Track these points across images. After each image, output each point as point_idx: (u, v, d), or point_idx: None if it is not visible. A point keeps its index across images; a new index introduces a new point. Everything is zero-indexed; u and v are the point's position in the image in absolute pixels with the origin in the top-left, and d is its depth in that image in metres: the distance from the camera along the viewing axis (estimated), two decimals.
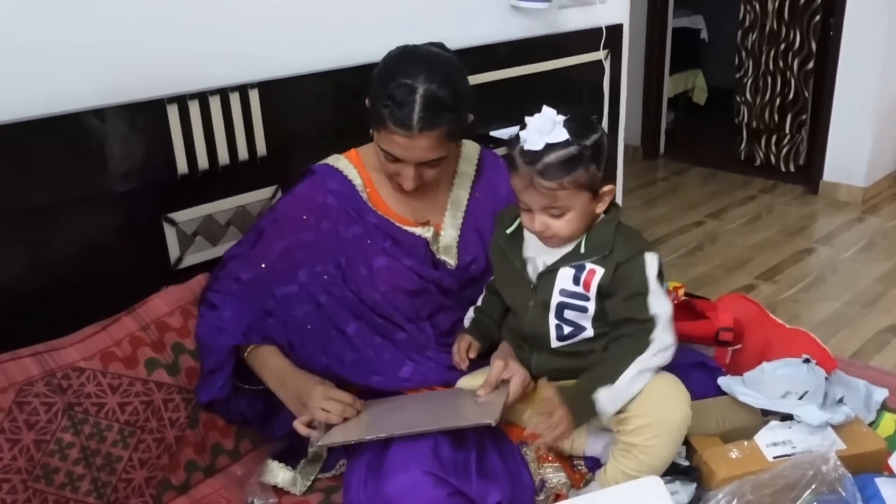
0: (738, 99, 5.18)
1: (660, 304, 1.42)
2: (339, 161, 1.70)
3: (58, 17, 1.56)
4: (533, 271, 1.51)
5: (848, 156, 4.58)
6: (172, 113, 1.70)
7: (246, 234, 1.73)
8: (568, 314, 1.48)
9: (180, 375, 1.56)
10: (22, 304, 1.54)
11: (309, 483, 1.55)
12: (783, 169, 5.04)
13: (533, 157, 1.36)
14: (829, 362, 1.72)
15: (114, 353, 1.50)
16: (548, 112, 1.38)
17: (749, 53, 5.03)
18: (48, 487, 1.37)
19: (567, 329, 1.49)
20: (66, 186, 1.59)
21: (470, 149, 1.77)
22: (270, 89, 1.85)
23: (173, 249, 1.77)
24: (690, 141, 5.74)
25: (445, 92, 1.50)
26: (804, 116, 4.89)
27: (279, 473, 1.53)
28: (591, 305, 1.46)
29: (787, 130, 4.96)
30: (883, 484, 1.35)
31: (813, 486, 1.32)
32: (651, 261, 1.43)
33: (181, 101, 1.71)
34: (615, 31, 2.67)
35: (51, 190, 1.56)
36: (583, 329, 1.49)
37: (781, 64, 4.89)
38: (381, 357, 1.65)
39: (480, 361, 1.61)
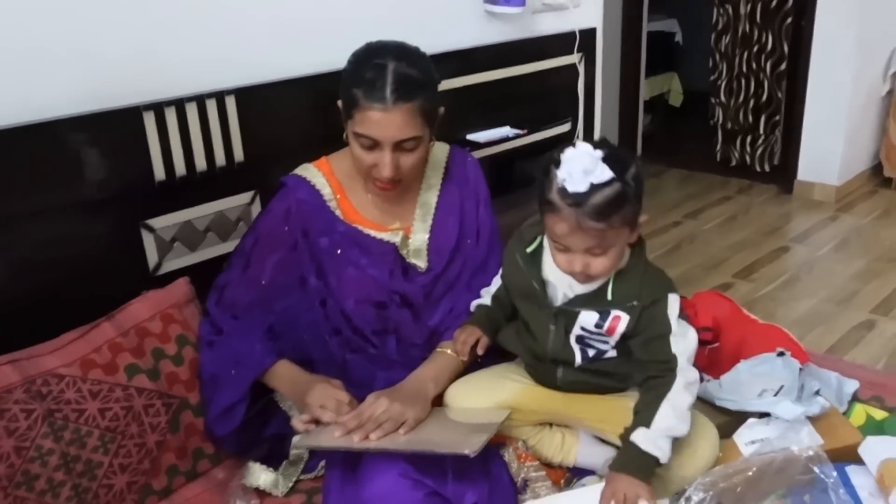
0: (713, 101, 5.25)
1: (681, 343, 1.42)
2: (308, 171, 1.72)
3: (34, 24, 1.57)
4: (553, 295, 1.50)
5: (821, 155, 4.65)
6: (149, 120, 1.71)
7: (231, 260, 1.73)
8: (590, 342, 1.49)
9: (161, 380, 1.56)
10: (0, 311, 1.54)
11: (291, 485, 1.55)
12: (758, 169, 5.11)
13: (578, 198, 1.30)
14: (801, 356, 1.75)
15: (93, 360, 1.50)
16: (585, 148, 1.30)
17: (723, 56, 5.10)
18: (29, 494, 1.37)
19: (591, 353, 1.50)
20: (43, 194, 1.59)
21: (438, 150, 1.79)
22: (247, 96, 1.86)
23: (152, 256, 1.77)
24: (667, 143, 5.80)
25: (415, 70, 1.53)
26: (778, 117, 4.96)
27: (261, 475, 1.54)
28: (613, 342, 1.48)
29: (762, 131, 5.03)
30: (853, 472, 1.38)
31: (787, 472, 1.35)
32: (674, 302, 1.44)
33: (157, 108, 1.72)
34: (589, 35, 2.70)
35: (28, 197, 1.57)
36: (607, 351, 1.50)
37: (755, 66, 4.96)
38: (355, 371, 1.67)
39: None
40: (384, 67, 1.51)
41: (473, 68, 2.36)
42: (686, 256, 4.02)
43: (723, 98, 5.17)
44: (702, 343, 1.80)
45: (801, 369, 1.62)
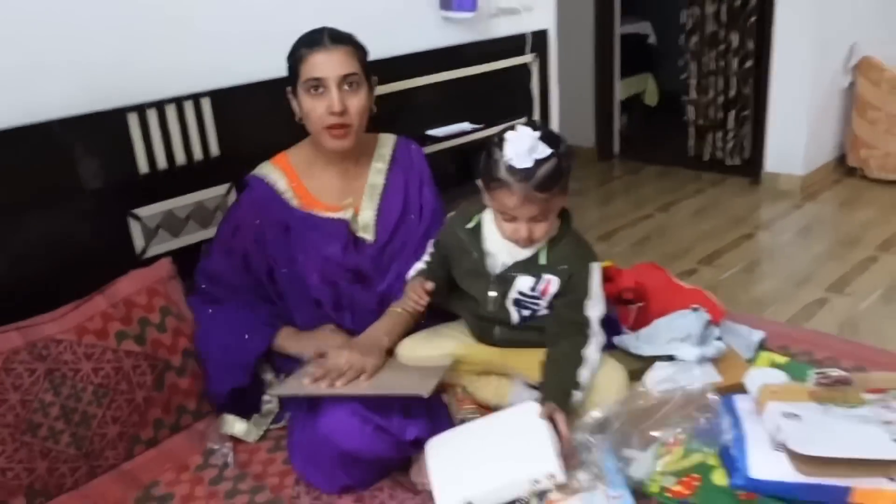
0: (684, 99, 5.47)
1: (596, 309, 1.68)
2: (264, 168, 1.96)
3: (32, 39, 1.80)
4: (492, 266, 1.71)
5: (786, 147, 4.87)
6: (133, 120, 1.94)
7: (212, 248, 1.97)
8: (525, 304, 1.72)
9: (146, 345, 1.78)
10: (6, 288, 1.78)
11: (261, 433, 1.78)
12: (729, 163, 5.31)
13: (526, 174, 1.51)
14: (717, 313, 1.96)
15: (87, 327, 1.72)
16: (525, 130, 1.52)
17: (693, 56, 5.31)
18: (34, 439, 1.59)
19: (526, 313, 1.73)
20: (42, 187, 1.82)
21: (386, 140, 2.03)
22: (221, 98, 2.09)
23: (138, 241, 2.00)
24: (644, 141, 6.02)
25: (345, 34, 1.84)
26: (746, 112, 5.16)
27: (235, 424, 1.76)
28: (546, 303, 1.70)
29: (731, 126, 5.23)
30: (739, 399, 1.59)
31: (688, 405, 1.57)
32: (595, 271, 1.69)
33: (140, 109, 1.95)
34: (541, 36, 2.92)
35: (29, 190, 1.80)
36: (540, 311, 1.72)
37: (723, 64, 5.16)
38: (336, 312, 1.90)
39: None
40: (320, 30, 1.82)
41: (432, 69, 2.59)
42: (654, 246, 4.22)
43: (694, 96, 5.38)
44: (625, 302, 2.04)
45: (708, 321, 1.83)
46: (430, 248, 1.84)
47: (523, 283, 1.68)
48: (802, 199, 4.77)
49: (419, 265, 1.82)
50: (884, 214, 4.41)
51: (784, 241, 4.23)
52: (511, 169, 1.52)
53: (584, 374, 1.62)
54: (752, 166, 5.10)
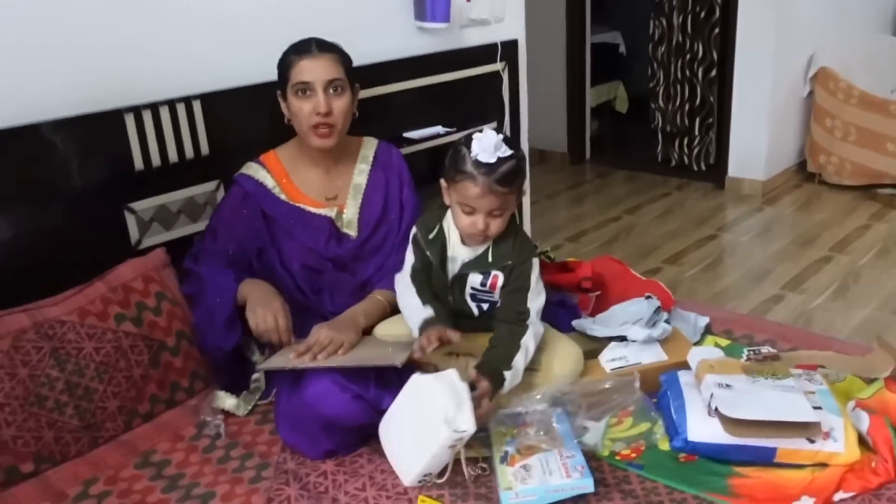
0: (652, 106, 5.67)
1: (536, 300, 1.84)
2: (251, 168, 2.11)
3: (34, 43, 1.96)
4: (452, 269, 1.87)
5: (748, 153, 5.08)
6: (129, 120, 2.10)
7: (204, 235, 2.12)
8: (481, 298, 1.89)
9: (143, 327, 1.94)
10: (13, 275, 1.92)
11: (250, 408, 1.94)
12: (696, 168, 5.50)
13: (489, 168, 1.69)
14: (668, 301, 2.15)
15: (88, 310, 1.88)
16: (491, 132, 1.71)
17: (660, 64, 5.51)
18: (41, 411, 1.74)
19: (484, 306, 1.91)
20: (44, 182, 1.97)
21: (369, 143, 2.20)
22: (211, 100, 2.25)
23: (133, 233, 2.15)
24: (614, 146, 6.22)
25: (331, 43, 2.00)
26: (711, 119, 5.35)
27: (226, 400, 1.92)
28: (497, 295, 1.87)
29: (697, 133, 5.43)
30: (682, 374, 1.78)
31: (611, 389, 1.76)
32: (535, 265, 1.86)
33: (136, 110, 2.11)
34: (511, 45, 3.11)
35: (33, 185, 1.95)
36: (496, 303, 1.89)
37: (688, 73, 5.36)
38: (302, 325, 2.02)
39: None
40: (308, 40, 1.99)
41: (407, 75, 2.76)
42: (622, 246, 4.40)
43: (661, 103, 5.58)
44: (583, 290, 2.22)
45: (658, 307, 2.02)
46: (409, 258, 1.94)
47: (475, 279, 1.87)
48: (763, 202, 4.98)
49: (408, 267, 1.93)
50: (838, 217, 4.63)
51: (744, 242, 4.43)
52: (477, 163, 1.70)
53: (518, 359, 1.77)
54: (716, 171, 5.31)
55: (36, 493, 1.67)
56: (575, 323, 2.04)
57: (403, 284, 1.92)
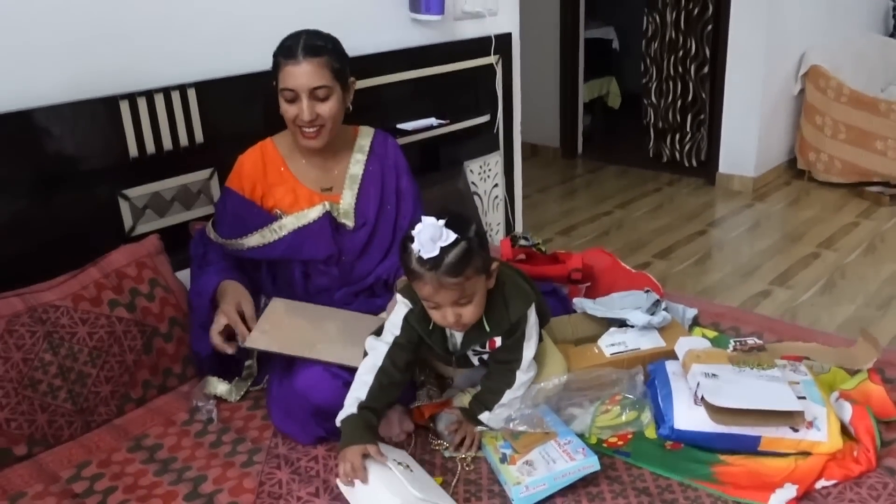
0: (644, 102, 5.70)
1: (530, 349, 1.77)
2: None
3: (33, 32, 1.97)
4: (452, 345, 1.76)
5: (738, 150, 5.13)
6: (125, 108, 2.11)
7: (215, 219, 2.11)
8: (482, 353, 1.82)
9: (136, 312, 1.95)
10: (7, 259, 1.94)
11: (242, 394, 1.95)
12: (687, 164, 5.55)
13: (433, 262, 1.53)
14: (658, 294, 2.18)
15: (82, 295, 1.89)
16: (429, 220, 1.54)
17: (653, 60, 5.55)
18: (34, 394, 1.76)
19: (485, 357, 1.83)
20: (40, 168, 1.99)
21: (365, 133, 2.19)
22: (205, 88, 2.27)
23: (127, 220, 2.17)
24: (606, 142, 6.26)
25: (321, 40, 1.96)
26: (703, 116, 5.40)
27: (218, 386, 1.94)
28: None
29: (689, 129, 5.48)
30: (669, 364, 1.80)
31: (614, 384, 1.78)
32: (531, 315, 1.74)
33: (131, 98, 2.12)
34: (505, 38, 3.13)
35: (28, 170, 1.96)
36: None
37: (681, 69, 5.40)
38: (317, 295, 2.08)
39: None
40: (297, 37, 1.94)
41: (402, 67, 2.78)
42: (613, 241, 4.44)
43: (653, 99, 5.62)
44: (573, 281, 2.24)
45: (658, 300, 2.04)
46: (392, 331, 1.76)
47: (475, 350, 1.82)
48: (753, 198, 5.02)
49: (388, 337, 1.75)
50: (827, 214, 4.68)
51: (733, 238, 4.47)
52: (420, 260, 1.55)
53: (497, 406, 1.76)
54: (707, 168, 5.35)
55: (29, 475, 1.69)
56: (575, 301, 2.06)
57: (373, 353, 1.72)
